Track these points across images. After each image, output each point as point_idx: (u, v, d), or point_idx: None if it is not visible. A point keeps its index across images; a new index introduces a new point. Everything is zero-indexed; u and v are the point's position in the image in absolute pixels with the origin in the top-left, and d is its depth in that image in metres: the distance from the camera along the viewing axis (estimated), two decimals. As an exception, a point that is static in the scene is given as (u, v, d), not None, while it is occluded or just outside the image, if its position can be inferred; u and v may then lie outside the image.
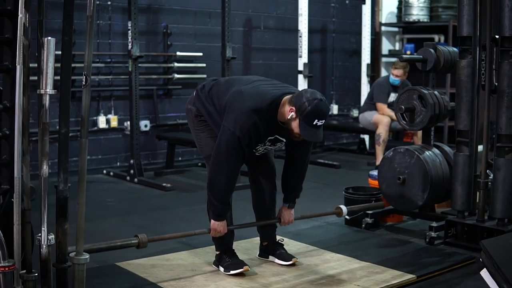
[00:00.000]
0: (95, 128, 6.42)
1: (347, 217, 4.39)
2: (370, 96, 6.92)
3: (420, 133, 6.20)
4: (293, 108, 2.94)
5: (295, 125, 2.96)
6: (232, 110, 3.01)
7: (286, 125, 3.02)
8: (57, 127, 2.69)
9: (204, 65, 7.07)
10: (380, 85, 6.86)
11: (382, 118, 6.55)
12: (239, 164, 3.07)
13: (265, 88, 3.11)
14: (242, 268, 3.23)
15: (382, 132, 6.52)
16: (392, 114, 6.44)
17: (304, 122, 2.91)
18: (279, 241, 3.51)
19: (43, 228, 2.59)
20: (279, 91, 3.07)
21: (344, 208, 3.81)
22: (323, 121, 2.93)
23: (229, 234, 3.31)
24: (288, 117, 2.96)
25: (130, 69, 5.94)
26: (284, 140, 3.18)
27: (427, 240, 3.92)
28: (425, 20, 8.04)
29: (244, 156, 3.06)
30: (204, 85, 3.31)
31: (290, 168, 3.32)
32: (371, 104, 6.83)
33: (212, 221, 3.13)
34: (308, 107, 2.89)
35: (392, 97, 6.73)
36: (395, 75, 6.69)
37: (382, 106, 6.68)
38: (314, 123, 2.90)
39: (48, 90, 2.51)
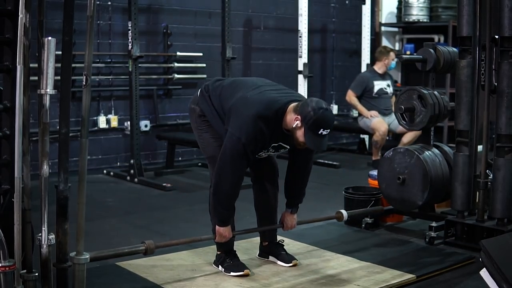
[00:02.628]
0: (95, 128, 6.42)
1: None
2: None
3: (410, 133, 6.32)
4: (299, 117, 2.94)
5: (300, 133, 2.95)
6: (238, 116, 3.00)
7: (291, 133, 3.02)
8: (57, 127, 2.69)
9: (204, 65, 7.07)
10: (360, 77, 7.14)
11: (380, 126, 6.65)
12: (244, 170, 3.07)
13: (271, 94, 3.09)
14: (243, 271, 3.23)
15: (379, 139, 6.71)
16: (357, 103, 6.87)
17: (309, 131, 2.91)
18: (280, 242, 3.51)
19: (43, 228, 2.59)
20: (285, 99, 3.06)
21: (344, 213, 3.82)
22: (328, 130, 2.92)
23: (230, 234, 3.33)
24: (294, 126, 2.96)
25: (130, 69, 5.95)
26: (288, 147, 3.18)
27: (427, 240, 3.92)
28: (425, 20, 8.04)
29: (249, 162, 3.07)
30: (208, 85, 3.30)
31: (293, 174, 3.32)
32: (365, 103, 6.90)
33: (217, 227, 3.14)
34: (313, 116, 2.88)
35: (379, 85, 6.94)
36: (392, 59, 7.00)
37: (350, 93, 6.98)
38: (320, 132, 2.90)
39: (48, 90, 2.52)
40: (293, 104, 3.02)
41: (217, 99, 3.19)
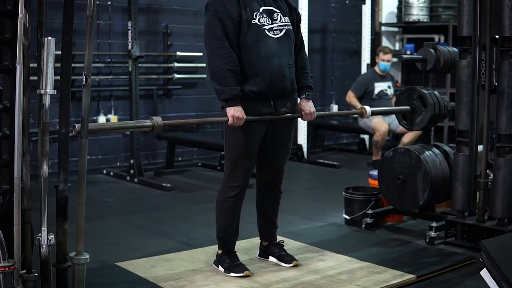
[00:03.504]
0: (95, 128, 6.42)
1: (347, 217, 4.39)
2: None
3: (410, 133, 6.33)
4: None
5: None
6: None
7: None
8: (57, 127, 2.69)
9: (204, 65, 7.06)
10: (362, 78, 7.15)
11: (380, 126, 6.65)
12: (228, 41, 3.01)
13: None
14: (243, 272, 3.22)
15: (379, 139, 6.72)
16: (357, 104, 6.81)
17: None
18: (280, 242, 3.51)
19: (43, 228, 2.59)
20: None
21: (368, 109, 3.73)
22: None
23: (234, 234, 3.32)
24: None
25: (130, 69, 5.95)
26: (277, 10, 3.14)
27: (427, 240, 3.92)
28: (425, 20, 8.04)
29: (229, 28, 3.01)
30: None
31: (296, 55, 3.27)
32: (366, 104, 6.90)
33: (227, 108, 3.04)
34: None
35: (380, 86, 6.94)
36: (386, 60, 6.93)
37: (350, 94, 6.98)
38: None
39: (48, 90, 2.51)
40: None
41: None
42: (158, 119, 2.87)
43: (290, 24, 3.21)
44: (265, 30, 3.10)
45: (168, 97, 6.95)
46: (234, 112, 3.02)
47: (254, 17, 3.08)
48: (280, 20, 3.15)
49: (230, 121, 3.04)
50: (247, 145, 3.15)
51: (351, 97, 6.96)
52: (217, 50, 3.01)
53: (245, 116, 3.05)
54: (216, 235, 3.34)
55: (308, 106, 3.30)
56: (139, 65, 6.10)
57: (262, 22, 3.10)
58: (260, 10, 3.10)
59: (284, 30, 3.17)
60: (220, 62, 3.00)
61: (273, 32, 3.13)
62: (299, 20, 3.33)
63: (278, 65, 3.11)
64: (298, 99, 3.34)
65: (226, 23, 3.01)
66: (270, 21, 3.12)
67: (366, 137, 7.84)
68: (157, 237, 4.12)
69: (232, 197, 3.23)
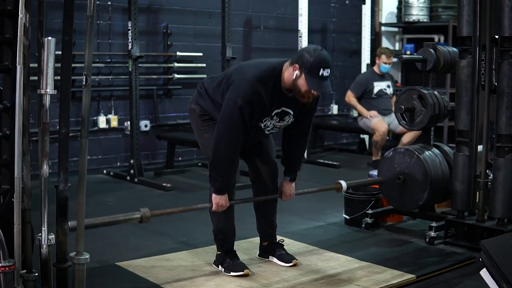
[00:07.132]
0: (95, 128, 6.42)
1: (347, 217, 4.39)
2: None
3: (410, 133, 6.33)
4: (296, 65, 2.94)
5: (301, 82, 2.94)
6: (234, 83, 3.02)
7: (293, 89, 3.00)
8: (57, 127, 2.69)
9: (204, 65, 7.07)
10: (360, 78, 7.18)
11: (380, 126, 6.66)
12: (241, 136, 3.02)
13: (266, 59, 3.16)
14: (242, 271, 3.22)
15: (379, 139, 6.74)
16: (356, 104, 6.91)
17: (310, 76, 2.91)
18: (280, 242, 3.51)
19: (43, 228, 2.59)
20: (280, 60, 3.10)
21: (343, 183, 3.77)
22: (328, 70, 2.93)
23: (232, 234, 3.32)
24: (293, 77, 2.95)
25: (130, 69, 5.95)
26: (291, 112, 3.15)
27: (427, 240, 3.92)
28: (425, 20, 8.04)
29: (247, 128, 3.02)
30: (203, 82, 3.31)
31: (293, 139, 3.29)
32: (365, 103, 6.92)
33: (214, 195, 3.09)
34: (310, 59, 2.90)
35: (379, 86, 6.95)
36: (389, 63, 6.96)
37: (349, 94, 7.03)
38: (320, 73, 2.91)
39: (48, 90, 2.52)
40: (288, 61, 3.05)
41: (215, 88, 3.19)
42: (146, 211, 2.94)
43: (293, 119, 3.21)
44: (265, 130, 3.17)
45: (168, 97, 6.95)
46: (219, 200, 3.09)
47: (263, 121, 3.10)
48: (286, 121, 3.18)
49: (214, 208, 3.11)
50: None
51: (350, 97, 6.98)
52: (227, 142, 3.00)
53: (228, 204, 3.12)
54: (213, 238, 3.34)
55: (289, 188, 3.36)
56: (139, 65, 6.09)
57: (267, 126, 3.15)
58: (273, 113, 3.11)
59: (278, 127, 3.22)
60: (226, 154, 3.02)
61: (269, 129, 3.19)
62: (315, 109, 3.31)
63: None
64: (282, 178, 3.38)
65: (246, 123, 3.00)
66: (278, 121, 3.15)
67: (366, 137, 7.84)
68: (157, 237, 4.12)
69: None
